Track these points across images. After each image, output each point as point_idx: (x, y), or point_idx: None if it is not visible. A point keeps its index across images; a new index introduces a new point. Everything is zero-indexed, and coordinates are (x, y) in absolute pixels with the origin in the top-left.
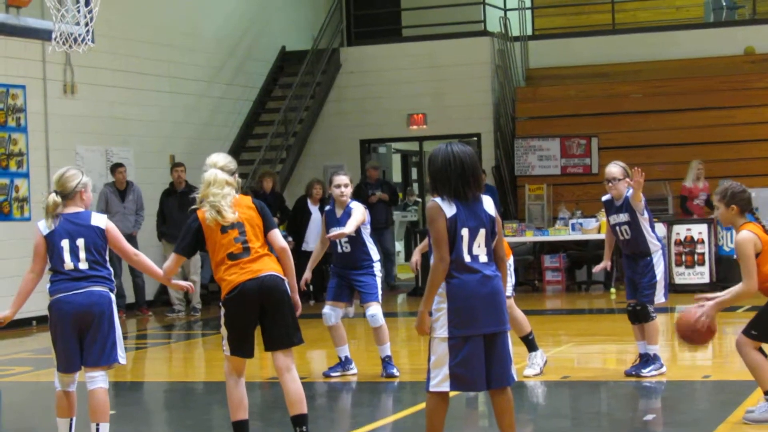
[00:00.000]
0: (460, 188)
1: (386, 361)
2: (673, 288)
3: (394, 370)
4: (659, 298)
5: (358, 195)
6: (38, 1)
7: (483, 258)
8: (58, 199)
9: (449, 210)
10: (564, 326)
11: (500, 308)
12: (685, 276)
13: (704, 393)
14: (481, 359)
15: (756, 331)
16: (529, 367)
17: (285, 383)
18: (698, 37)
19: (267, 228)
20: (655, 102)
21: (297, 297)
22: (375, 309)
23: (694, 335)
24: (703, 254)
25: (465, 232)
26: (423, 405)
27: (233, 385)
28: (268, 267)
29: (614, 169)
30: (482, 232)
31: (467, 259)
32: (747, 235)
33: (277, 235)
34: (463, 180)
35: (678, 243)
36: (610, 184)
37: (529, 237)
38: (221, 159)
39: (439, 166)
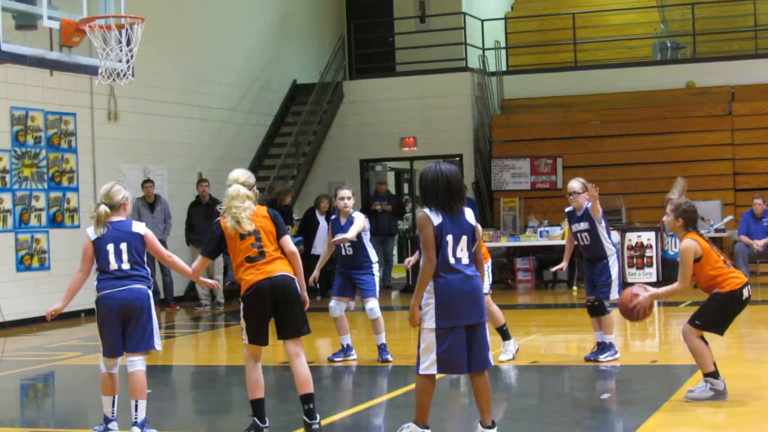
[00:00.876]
0: (446, 202)
1: (382, 348)
2: (625, 286)
3: (389, 356)
4: (614, 294)
5: (368, 206)
6: (87, 41)
7: (465, 260)
8: (108, 210)
9: (436, 219)
10: (533, 319)
11: (480, 303)
12: (636, 276)
13: (652, 375)
14: (463, 347)
15: (700, 321)
16: (503, 354)
17: (294, 367)
18: (647, 73)
19: (279, 234)
20: (610, 128)
21: (305, 294)
22: (373, 303)
23: (629, 315)
24: (651, 257)
25: (450, 238)
26: (413, 386)
27: (251, 368)
28: (280, 268)
29: (575, 184)
30: (464, 238)
31: (452, 261)
32: (689, 243)
33: (287, 240)
34: (448, 195)
35: (630, 248)
36: (571, 197)
37: (504, 242)
38: (242, 175)
39: (429, 183)
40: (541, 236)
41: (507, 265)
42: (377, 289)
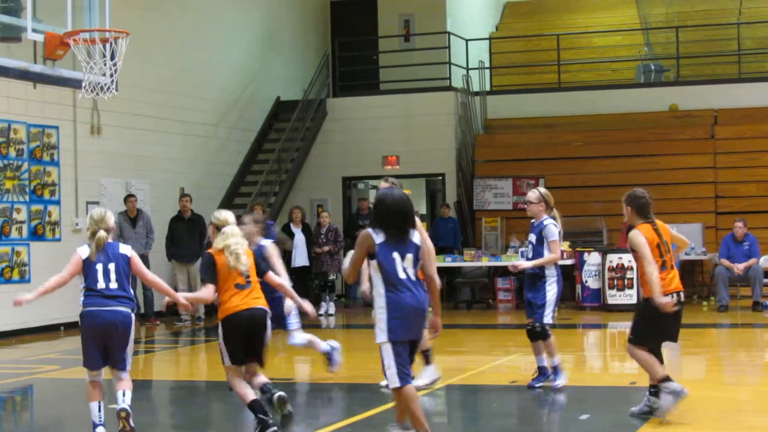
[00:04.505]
0: (391, 227)
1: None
2: (606, 308)
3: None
4: (547, 318)
5: (351, 225)
6: (71, 54)
7: (413, 277)
8: (106, 235)
9: (378, 238)
10: (513, 338)
11: (423, 320)
12: (616, 297)
13: (631, 397)
14: (408, 359)
15: (632, 336)
16: (419, 379)
17: (250, 381)
18: (630, 95)
19: (260, 272)
20: (593, 149)
21: (306, 304)
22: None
23: None
24: (631, 279)
25: (396, 255)
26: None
27: (238, 382)
28: (259, 302)
29: (531, 195)
30: (409, 256)
31: (402, 276)
32: (634, 233)
33: (271, 276)
34: (395, 220)
35: (611, 269)
36: (525, 205)
37: (485, 262)
38: (230, 216)
39: (378, 207)
40: (522, 256)
41: (488, 284)
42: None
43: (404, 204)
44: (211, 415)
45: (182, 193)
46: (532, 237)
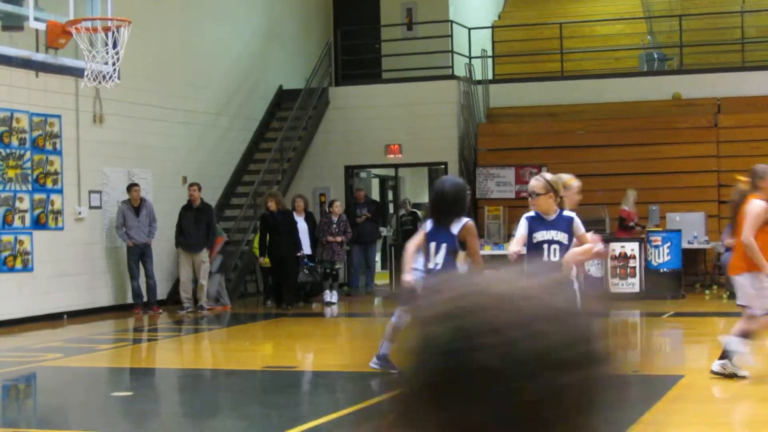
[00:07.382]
0: (435, 213)
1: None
2: (608, 296)
3: None
4: None
5: (348, 214)
6: (73, 43)
7: (441, 267)
8: None
9: (427, 228)
10: None
11: None
12: (619, 286)
13: (635, 384)
14: None
15: None
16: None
17: None
18: (633, 84)
19: None
20: (596, 138)
21: None
22: None
23: None
24: (634, 268)
25: (432, 245)
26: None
27: None
28: None
29: (536, 184)
30: (444, 246)
31: (430, 265)
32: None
33: None
34: (439, 207)
35: (614, 258)
36: (530, 199)
37: (488, 251)
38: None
39: (432, 194)
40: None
41: None
42: None
43: (450, 192)
44: (215, 402)
45: (189, 182)
46: (560, 235)
